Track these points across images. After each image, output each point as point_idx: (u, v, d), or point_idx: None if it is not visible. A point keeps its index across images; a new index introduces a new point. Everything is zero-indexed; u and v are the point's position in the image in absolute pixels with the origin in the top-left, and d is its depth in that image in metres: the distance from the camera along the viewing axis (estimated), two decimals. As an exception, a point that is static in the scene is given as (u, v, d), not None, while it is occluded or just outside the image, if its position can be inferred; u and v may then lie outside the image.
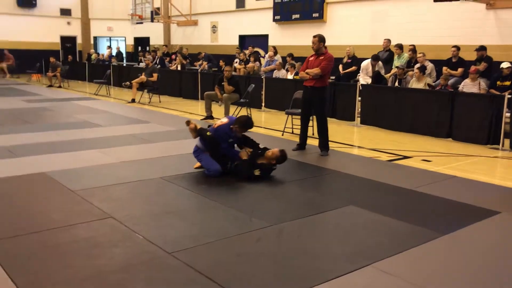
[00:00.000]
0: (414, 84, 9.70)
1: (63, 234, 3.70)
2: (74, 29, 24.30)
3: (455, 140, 8.07)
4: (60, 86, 17.23)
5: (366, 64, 11.14)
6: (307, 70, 6.79)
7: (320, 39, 6.76)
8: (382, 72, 10.95)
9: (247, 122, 5.61)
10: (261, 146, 5.79)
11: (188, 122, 5.84)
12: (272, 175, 5.51)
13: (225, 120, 5.72)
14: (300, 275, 3.13)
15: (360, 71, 11.36)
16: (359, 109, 9.57)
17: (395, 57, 11.28)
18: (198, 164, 5.74)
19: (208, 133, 5.57)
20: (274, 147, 5.75)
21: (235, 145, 5.80)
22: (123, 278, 3.02)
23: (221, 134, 5.55)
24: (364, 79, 11.00)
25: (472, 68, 9.17)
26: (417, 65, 10.13)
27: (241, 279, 3.06)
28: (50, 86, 17.38)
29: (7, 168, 5.64)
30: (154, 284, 2.97)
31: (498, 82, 9.00)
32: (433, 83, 9.75)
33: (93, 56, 21.09)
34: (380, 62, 11.04)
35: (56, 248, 3.45)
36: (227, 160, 5.55)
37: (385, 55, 11.55)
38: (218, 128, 5.63)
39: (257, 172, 5.37)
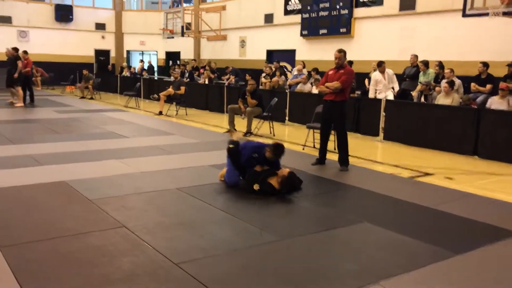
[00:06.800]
0: (441, 99, 9.52)
1: (75, 242, 3.78)
2: (108, 43, 25.03)
3: (480, 157, 7.87)
4: (92, 98, 17.71)
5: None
6: (327, 84, 6.78)
7: (345, 53, 6.78)
8: (396, 86, 10.79)
9: (277, 147, 5.49)
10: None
11: (232, 131, 6.17)
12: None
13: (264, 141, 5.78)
14: (304, 291, 3.10)
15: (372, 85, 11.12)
16: (383, 125, 9.46)
17: (420, 73, 11.10)
18: (222, 176, 5.81)
19: (230, 146, 5.65)
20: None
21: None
22: None
23: (250, 146, 5.62)
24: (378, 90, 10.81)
25: (503, 84, 8.93)
26: (444, 80, 9.94)
27: (243, 293, 3.05)
28: (83, 97, 17.89)
29: (30, 176, 5.82)
30: (156, 294, 2.99)
31: (529, 99, 8.73)
32: (460, 99, 9.54)
33: (125, 70, 21.61)
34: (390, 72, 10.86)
35: (67, 255, 3.52)
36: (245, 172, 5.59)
37: (412, 71, 11.37)
38: (251, 142, 5.71)
39: (256, 187, 5.29)
